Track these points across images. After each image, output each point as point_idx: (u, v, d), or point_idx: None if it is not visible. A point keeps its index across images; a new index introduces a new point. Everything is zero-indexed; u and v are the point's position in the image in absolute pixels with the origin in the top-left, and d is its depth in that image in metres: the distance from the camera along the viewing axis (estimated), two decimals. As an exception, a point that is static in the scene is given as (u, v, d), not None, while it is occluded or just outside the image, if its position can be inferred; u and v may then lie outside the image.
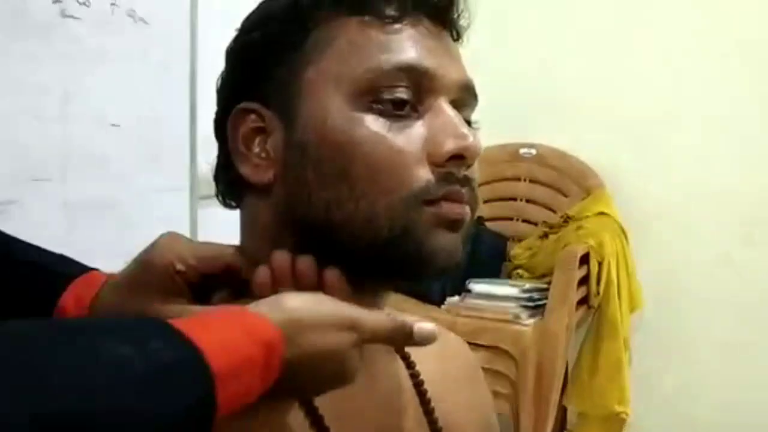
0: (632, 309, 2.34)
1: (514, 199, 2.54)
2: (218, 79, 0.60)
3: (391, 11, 0.54)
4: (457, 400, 0.66)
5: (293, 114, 0.54)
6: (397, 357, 0.63)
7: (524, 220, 2.53)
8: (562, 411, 2.31)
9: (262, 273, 0.52)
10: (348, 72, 0.53)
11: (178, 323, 0.39)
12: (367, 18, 0.54)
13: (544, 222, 2.44)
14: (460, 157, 0.53)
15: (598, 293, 2.19)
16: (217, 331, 0.39)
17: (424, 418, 0.62)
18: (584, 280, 2.17)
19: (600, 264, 2.17)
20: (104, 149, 1.23)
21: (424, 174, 0.53)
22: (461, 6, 0.58)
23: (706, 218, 2.40)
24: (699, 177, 2.41)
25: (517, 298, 2.12)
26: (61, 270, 0.57)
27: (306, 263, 0.52)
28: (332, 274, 0.53)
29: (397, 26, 0.54)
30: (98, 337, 0.35)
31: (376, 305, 0.59)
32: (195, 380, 0.37)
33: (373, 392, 0.58)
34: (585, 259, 2.15)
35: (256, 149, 0.56)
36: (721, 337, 2.38)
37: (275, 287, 0.52)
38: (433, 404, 0.62)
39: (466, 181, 0.55)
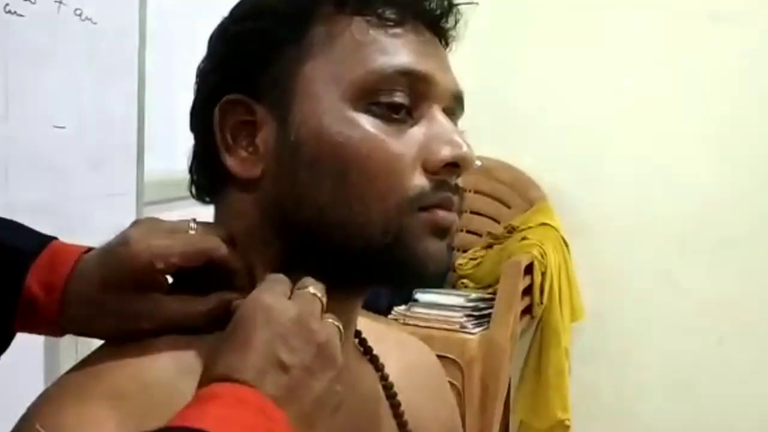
0: (573, 319, 2.38)
1: (459, 210, 2.57)
2: (199, 67, 0.57)
3: (392, 14, 0.54)
4: (424, 408, 0.66)
5: (287, 110, 0.53)
6: (367, 362, 0.62)
7: (469, 231, 2.56)
8: (506, 420, 2.33)
9: None
10: (348, 71, 0.52)
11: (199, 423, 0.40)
12: (368, 19, 0.53)
13: (489, 233, 2.47)
14: (454, 165, 0.53)
15: (542, 303, 2.23)
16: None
17: (393, 421, 0.61)
18: (527, 290, 2.21)
19: (543, 274, 2.21)
20: (48, 152, 1.19)
21: (419, 180, 0.52)
22: (458, 16, 0.58)
23: (645, 231, 2.47)
24: (638, 191, 2.48)
25: (463, 308, 2.14)
26: (19, 245, 0.53)
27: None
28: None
29: (398, 30, 0.54)
30: None
31: (353, 310, 0.58)
32: None
33: (348, 396, 0.57)
34: (528, 270, 2.18)
35: (244, 143, 0.54)
36: (658, 346, 2.45)
37: None
38: (403, 410, 0.62)
39: (457, 190, 0.55)
